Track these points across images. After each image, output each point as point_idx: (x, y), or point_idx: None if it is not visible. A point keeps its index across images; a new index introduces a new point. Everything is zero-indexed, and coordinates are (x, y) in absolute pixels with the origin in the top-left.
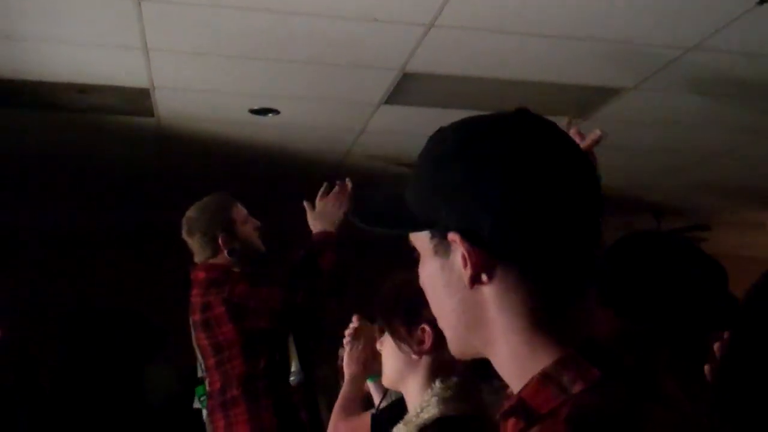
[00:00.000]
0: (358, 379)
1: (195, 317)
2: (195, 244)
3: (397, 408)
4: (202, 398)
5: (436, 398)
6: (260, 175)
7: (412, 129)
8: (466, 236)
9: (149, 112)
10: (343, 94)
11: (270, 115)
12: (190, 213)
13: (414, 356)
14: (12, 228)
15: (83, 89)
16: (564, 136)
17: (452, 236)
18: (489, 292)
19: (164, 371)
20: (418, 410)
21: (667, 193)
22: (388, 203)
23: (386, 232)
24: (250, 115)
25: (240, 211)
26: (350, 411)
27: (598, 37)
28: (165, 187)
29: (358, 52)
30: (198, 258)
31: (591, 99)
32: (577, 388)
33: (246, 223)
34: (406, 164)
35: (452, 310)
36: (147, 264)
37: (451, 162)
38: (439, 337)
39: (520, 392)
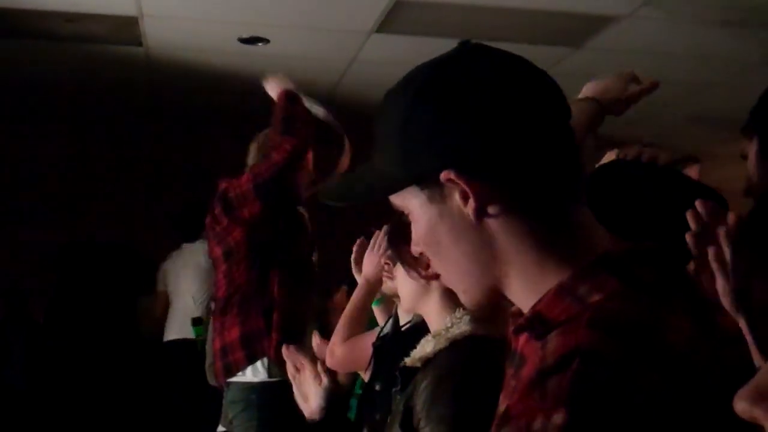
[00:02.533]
0: (372, 287)
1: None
2: (252, 152)
3: (405, 336)
4: (200, 339)
5: (469, 317)
6: (250, 106)
7: (404, 59)
8: (461, 170)
9: (137, 41)
10: (334, 22)
11: (259, 44)
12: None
13: (422, 281)
14: None
15: (70, 18)
16: (516, 55)
17: (446, 174)
18: (494, 221)
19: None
20: (449, 324)
21: (656, 126)
22: (356, 176)
23: (379, 197)
24: (239, 44)
25: None
26: (350, 332)
27: None
28: (154, 118)
29: None
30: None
31: (585, 27)
32: (595, 298)
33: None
34: None
35: (463, 253)
36: (137, 196)
37: (419, 107)
38: None
39: (534, 306)
